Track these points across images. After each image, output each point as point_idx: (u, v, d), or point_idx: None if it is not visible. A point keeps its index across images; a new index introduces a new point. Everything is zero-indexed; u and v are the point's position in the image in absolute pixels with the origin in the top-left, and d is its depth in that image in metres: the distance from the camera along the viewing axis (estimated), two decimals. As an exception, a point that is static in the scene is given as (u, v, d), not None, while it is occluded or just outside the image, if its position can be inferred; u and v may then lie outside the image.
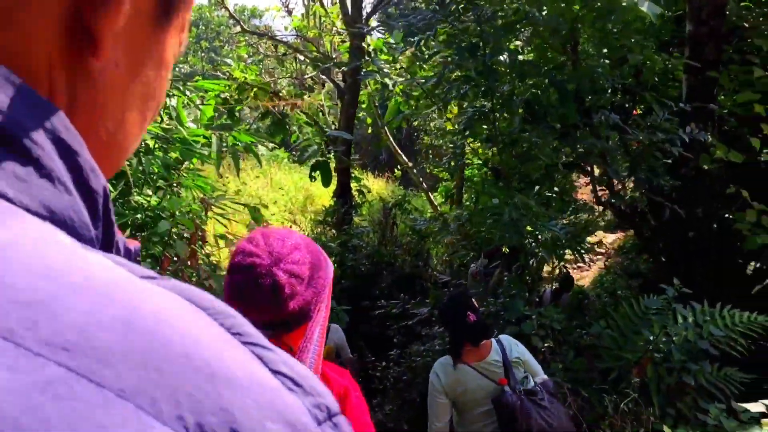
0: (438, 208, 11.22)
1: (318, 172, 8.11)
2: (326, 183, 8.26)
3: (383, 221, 9.09)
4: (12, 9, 0.36)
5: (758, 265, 6.85)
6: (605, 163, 5.15)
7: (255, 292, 1.29)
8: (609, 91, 5.41)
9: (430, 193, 10.65)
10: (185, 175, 3.84)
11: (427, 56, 4.94)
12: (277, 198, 12.62)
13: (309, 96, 9.29)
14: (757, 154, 5.90)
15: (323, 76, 9.79)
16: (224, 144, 3.98)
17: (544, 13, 4.76)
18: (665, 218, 5.56)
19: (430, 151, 15.73)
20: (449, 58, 4.58)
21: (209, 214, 3.45)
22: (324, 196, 12.74)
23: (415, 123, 13.65)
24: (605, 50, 5.61)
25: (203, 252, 3.55)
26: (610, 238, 13.18)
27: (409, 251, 8.43)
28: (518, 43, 4.68)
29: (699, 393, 4.63)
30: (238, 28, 26.29)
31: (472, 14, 4.46)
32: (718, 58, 5.92)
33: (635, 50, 5.33)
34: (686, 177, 5.78)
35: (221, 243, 3.84)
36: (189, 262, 3.05)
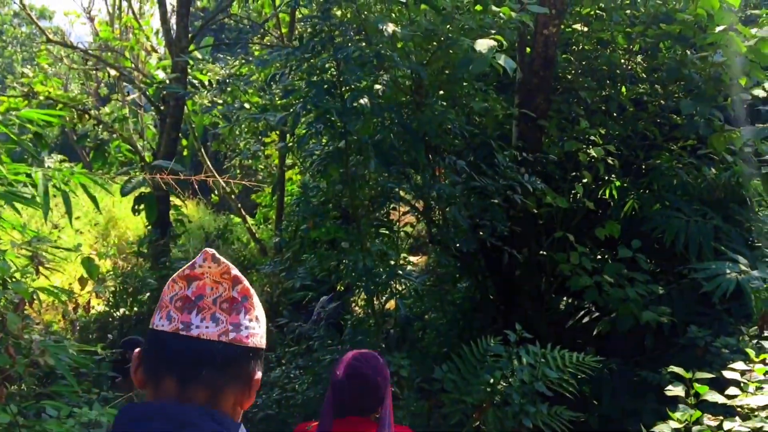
0: (256, 235, 10.81)
1: (143, 205, 7.37)
2: (151, 217, 7.50)
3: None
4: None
5: (570, 301, 7.30)
6: (448, 206, 5.17)
7: (364, 391, 2.42)
8: (454, 136, 5.44)
9: (249, 219, 10.23)
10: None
11: (281, 93, 4.67)
12: (79, 226, 11.22)
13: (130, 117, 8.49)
14: (578, 201, 6.26)
15: (143, 97, 9.02)
16: (52, 183, 3.40)
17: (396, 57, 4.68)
18: (505, 262, 5.69)
19: (238, 171, 15.21)
20: (305, 96, 4.34)
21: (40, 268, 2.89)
22: (129, 218, 11.67)
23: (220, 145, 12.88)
24: (441, 92, 5.67)
25: (36, 320, 2.97)
26: (411, 259, 13.42)
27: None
28: (378, 87, 4.55)
29: (534, 434, 4.73)
30: (24, 28, 23.97)
31: (332, 53, 4.26)
32: (547, 108, 6.22)
33: (479, 97, 5.42)
34: (516, 220, 5.98)
35: (47, 299, 3.25)
36: (19, 336, 2.50)
